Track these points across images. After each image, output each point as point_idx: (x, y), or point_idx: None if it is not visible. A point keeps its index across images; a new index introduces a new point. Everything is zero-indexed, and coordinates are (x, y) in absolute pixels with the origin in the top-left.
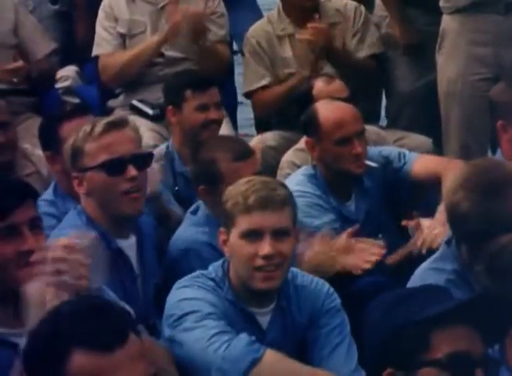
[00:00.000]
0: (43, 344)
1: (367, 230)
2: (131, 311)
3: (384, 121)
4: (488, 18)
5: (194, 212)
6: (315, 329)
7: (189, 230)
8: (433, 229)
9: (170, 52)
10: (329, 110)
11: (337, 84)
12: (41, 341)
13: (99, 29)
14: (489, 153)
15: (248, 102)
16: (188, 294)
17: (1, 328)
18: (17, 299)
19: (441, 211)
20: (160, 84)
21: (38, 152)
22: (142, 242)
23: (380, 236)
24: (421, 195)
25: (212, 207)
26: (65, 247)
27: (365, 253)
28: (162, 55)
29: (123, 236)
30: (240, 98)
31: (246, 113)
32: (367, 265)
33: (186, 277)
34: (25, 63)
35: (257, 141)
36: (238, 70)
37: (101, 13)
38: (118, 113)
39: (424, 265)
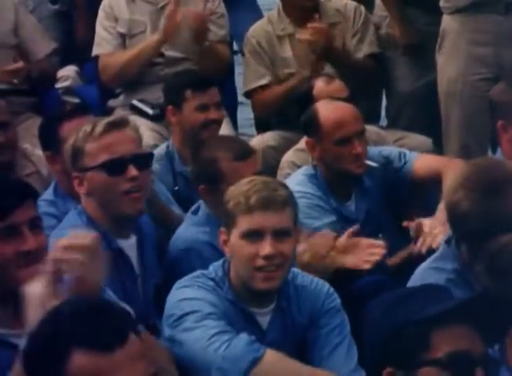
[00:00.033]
0: (43, 344)
1: (367, 230)
2: (131, 311)
3: (384, 121)
4: (488, 18)
5: (195, 212)
6: (315, 329)
7: (189, 230)
8: (433, 228)
9: (170, 52)
10: (329, 110)
11: (337, 85)
12: (41, 341)
13: (99, 29)
14: (489, 153)
15: (249, 102)
16: (188, 294)
17: (0, 329)
18: (17, 300)
19: (441, 210)
20: (160, 84)
21: (38, 152)
22: (142, 242)
23: (380, 236)
24: (421, 195)
25: (213, 207)
26: (64, 248)
27: (366, 253)
28: (162, 55)
29: (123, 236)
30: (241, 98)
31: (246, 113)
32: (367, 265)
33: (186, 277)
34: (25, 63)
35: (258, 141)
36: (238, 70)
37: (101, 13)
38: (119, 113)
39: (424, 264)
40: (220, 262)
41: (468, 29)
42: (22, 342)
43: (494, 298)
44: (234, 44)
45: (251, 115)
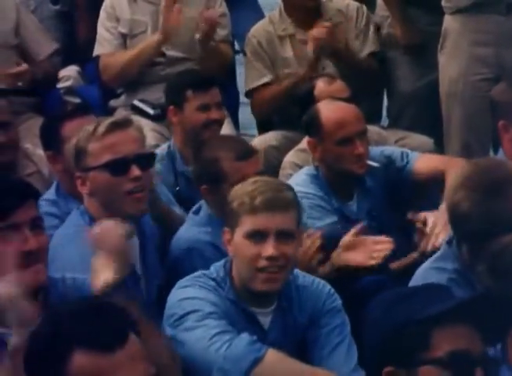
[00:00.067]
0: (43, 344)
1: (369, 230)
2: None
3: (385, 121)
4: (489, 18)
5: (196, 212)
6: (315, 329)
7: (191, 230)
8: (434, 228)
9: (171, 52)
10: (330, 110)
11: (339, 85)
12: (41, 341)
13: (100, 29)
14: (491, 153)
15: None
16: (189, 294)
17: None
18: None
19: (443, 210)
20: (162, 84)
21: (40, 152)
22: (144, 243)
23: (381, 236)
24: (423, 194)
25: (214, 207)
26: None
27: (372, 249)
28: (163, 55)
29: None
30: (244, 98)
31: (250, 113)
32: (373, 262)
33: (188, 277)
34: (29, 66)
35: (260, 141)
36: (240, 70)
37: (102, 13)
38: (120, 113)
39: (426, 264)
40: (222, 262)
41: (469, 29)
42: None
43: (495, 297)
44: (236, 44)
45: None
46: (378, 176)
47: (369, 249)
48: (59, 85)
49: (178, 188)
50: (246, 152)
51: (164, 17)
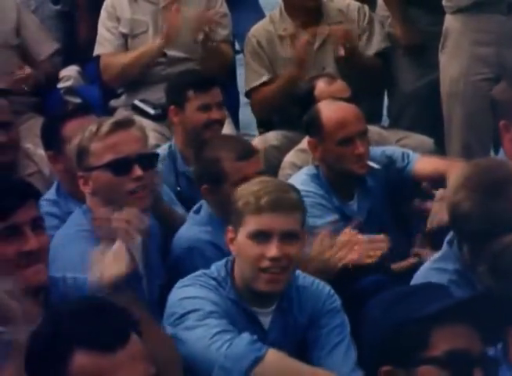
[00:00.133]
0: (44, 344)
1: (369, 230)
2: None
3: (386, 121)
4: (490, 18)
5: (197, 211)
6: (315, 329)
7: (191, 229)
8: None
9: (172, 52)
10: (331, 110)
11: (339, 85)
12: (42, 341)
13: (101, 29)
14: (492, 153)
15: None
16: (190, 293)
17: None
18: None
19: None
20: (162, 84)
21: (40, 152)
22: (146, 243)
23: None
24: (423, 195)
25: (215, 207)
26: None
27: (368, 248)
28: (164, 55)
29: None
30: (244, 98)
31: (250, 113)
32: (369, 260)
33: (188, 276)
34: (30, 67)
35: (260, 141)
36: (240, 70)
37: (103, 13)
38: (121, 113)
39: (426, 265)
40: (223, 261)
41: (471, 29)
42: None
43: (494, 297)
44: (236, 44)
45: None
46: (379, 176)
47: (364, 248)
48: (60, 85)
49: (179, 188)
50: (247, 152)
51: (163, 18)
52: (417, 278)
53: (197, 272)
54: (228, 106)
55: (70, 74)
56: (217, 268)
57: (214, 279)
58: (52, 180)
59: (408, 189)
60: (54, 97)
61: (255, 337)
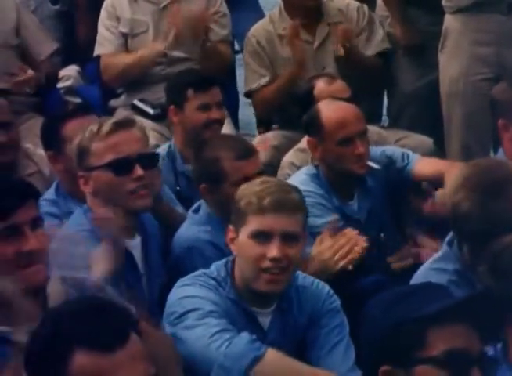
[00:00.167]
0: (44, 344)
1: (369, 230)
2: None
3: (385, 121)
4: (490, 18)
5: (196, 211)
6: (315, 329)
7: (191, 229)
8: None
9: (172, 52)
10: (331, 109)
11: (339, 85)
12: (41, 341)
13: (101, 29)
14: (491, 153)
15: None
16: (189, 292)
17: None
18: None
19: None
20: (162, 83)
21: (40, 152)
22: (147, 242)
23: (382, 235)
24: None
25: (214, 206)
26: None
27: (336, 251)
28: (164, 54)
29: (128, 235)
30: (243, 98)
31: (249, 113)
32: (344, 264)
33: (188, 276)
34: (30, 67)
35: (260, 140)
36: (240, 70)
37: (103, 13)
38: (120, 113)
39: (426, 265)
40: (223, 261)
41: (470, 29)
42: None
43: (492, 296)
44: (236, 44)
45: None
46: (379, 176)
47: (334, 252)
48: (59, 85)
49: (178, 188)
50: (246, 151)
51: (170, 22)
52: (417, 278)
53: (197, 272)
54: (228, 105)
55: (69, 73)
56: (217, 268)
57: (214, 279)
58: (51, 180)
59: (407, 189)
60: (54, 97)
61: (254, 336)
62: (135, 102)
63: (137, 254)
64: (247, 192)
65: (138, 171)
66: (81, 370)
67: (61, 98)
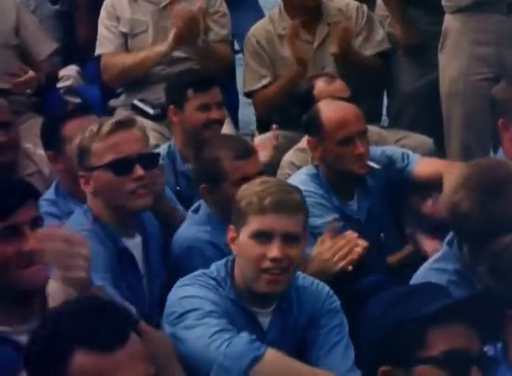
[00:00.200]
0: (44, 344)
1: (369, 229)
2: (134, 309)
3: (385, 121)
4: (490, 18)
5: (196, 211)
6: (314, 329)
7: (190, 229)
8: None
9: (172, 52)
10: (331, 109)
11: (338, 84)
12: (41, 341)
13: (101, 28)
14: (491, 153)
15: None
16: (189, 292)
17: (1, 327)
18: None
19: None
20: (162, 83)
21: (40, 151)
22: (147, 241)
23: (382, 235)
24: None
25: (213, 206)
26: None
27: (335, 253)
28: (166, 55)
29: (129, 235)
30: (244, 97)
31: (249, 112)
32: (344, 265)
33: (188, 276)
34: (30, 67)
35: (259, 140)
36: (240, 70)
37: (103, 13)
38: (120, 113)
39: (426, 265)
40: (223, 261)
41: (470, 28)
42: (24, 338)
43: (491, 296)
44: (236, 44)
45: None
46: (379, 176)
47: (334, 253)
48: (59, 85)
49: (178, 187)
50: (246, 151)
51: (170, 20)
52: (417, 278)
53: (197, 272)
54: (228, 105)
55: (69, 73)
56: (216, 268)
57: (214, 278)
58: (51, 180)
59: (407, 189)
60: (54, 97)
61: (254, 336)
62: (135, 102)
63: (137, 254)
64: (248, 192)
65: (139, 171)
66: (81, 370)
67: (61, 98)
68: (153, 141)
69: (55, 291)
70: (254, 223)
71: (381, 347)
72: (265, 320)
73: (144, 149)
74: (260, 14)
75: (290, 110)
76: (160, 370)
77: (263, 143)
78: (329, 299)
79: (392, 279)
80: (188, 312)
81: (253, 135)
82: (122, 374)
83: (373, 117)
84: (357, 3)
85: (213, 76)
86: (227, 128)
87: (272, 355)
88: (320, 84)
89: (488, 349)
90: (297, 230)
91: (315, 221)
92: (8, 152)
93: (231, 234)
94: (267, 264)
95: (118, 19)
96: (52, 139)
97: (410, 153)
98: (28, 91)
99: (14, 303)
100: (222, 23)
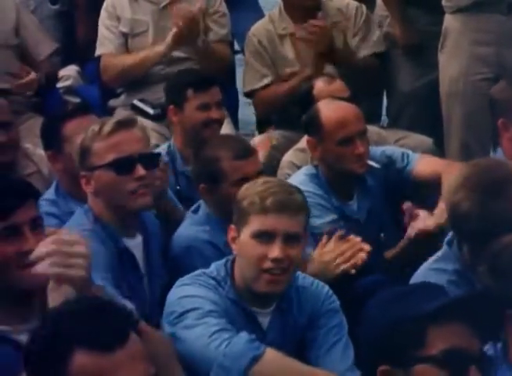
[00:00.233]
0: (44, 344)
1: (369, 229)
2: (134, 309)
3: (385, 121)
4: (490, 18)
5: (195, 211)
6: (314, 329)
7: (190, 229)
8: (426, 217)
9: (172, 52)
10: (331, 109)
11: (338, 84)
12: (41, 341)
13: (101, 28)
14: (491, 153)
15: None
16: (189, 292)
17: (1, 326)
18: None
19: (441, 207)
20: (162, 83)
21: (40, 151)
22: (148, 241)
23: (382, 235)
24: (423, 195)
25: (213, 206)
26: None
27: (337, 256)
28: (166, 55)
29: (129, 235)
30: (244, 97)
31: (248, 112)
32: (348, 268)
33: (188, 275)
34: (30, 67)
35: (259, 140)
36: (240, 70)
37: (103, 13)
38: (120, 113)
39: (426, 265)
40: (222, 261)
41: (470, 28)
42: (24, 338)
43: (490, 295)
44: (236, 44)
45: None
46: (378, 176)
47: (336, 256)
48: (59, 85)
49: (178, 187)
50: (246, 151)
51: (171, 20)
52: (416, 278)
53: (197, 272)
54: (228, 105)
55: (69, 73)
56: (216, 267)
57: (214, 278)
58: (51, 180)
59: (407, 189)
60: (53, 97)
61: (254, 336)
62: (135, 102)
63: (138, 254)
64: (250, 192)
65: (140, 170)
66: (81, 369)
67: (61, 98)
68: (152, 141)
69: (55, 291)
70: (255, 223)
71: (380, 346)
72: (264, 320)
73: (145, 149)
74: (260, 14)
75: (290, 110)
76: (160, 370)
77: (262, 143)
78: (329, 299)
79: (392, 279)
80: (187, 311)
81: (253, 135)
82: (122, 374)
83: (373, 117)
84: (356, 3)
85: (213, 76)
86: (227, 128)
87: (271, 354)
88: (320, 84)
89: (488, 349)
90: (298, 231)
91: (314, 221)
92: (8, 152)
93: (232, 234)
94: (268, 264)
95: (118, 19)
96: (51, 139)
97: (410, 152)
98: (29, 92)
99: (14, 303)
100: (222, 23)
